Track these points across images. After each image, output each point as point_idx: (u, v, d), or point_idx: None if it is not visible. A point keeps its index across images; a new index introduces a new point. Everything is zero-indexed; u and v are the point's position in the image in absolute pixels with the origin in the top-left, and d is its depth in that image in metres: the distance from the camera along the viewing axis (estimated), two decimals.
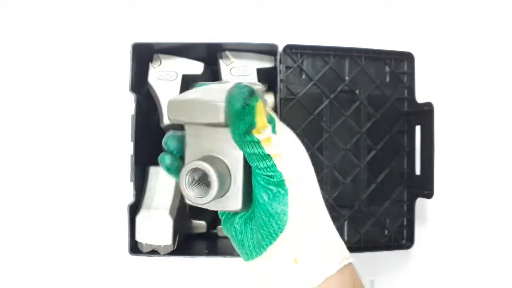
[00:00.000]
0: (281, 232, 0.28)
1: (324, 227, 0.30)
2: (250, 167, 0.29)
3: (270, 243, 0.28)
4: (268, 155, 0.28)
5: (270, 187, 0.28)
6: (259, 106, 0.27)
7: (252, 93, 0.27)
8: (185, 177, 0.28)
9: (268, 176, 0.28)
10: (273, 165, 0.28)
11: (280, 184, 0.28)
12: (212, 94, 0.28)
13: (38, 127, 0.64)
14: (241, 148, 0.28)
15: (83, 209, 0.63)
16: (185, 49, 0.54)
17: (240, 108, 0.26)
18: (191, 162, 0.28)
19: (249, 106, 0.26)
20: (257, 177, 0.29)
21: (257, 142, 0.27)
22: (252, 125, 0.27)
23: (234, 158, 0.29)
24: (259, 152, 0.28)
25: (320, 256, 0.28)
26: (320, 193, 0.31)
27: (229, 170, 0.29)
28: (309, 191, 0.30)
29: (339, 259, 0.29)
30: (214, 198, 0.27)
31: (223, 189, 0.28)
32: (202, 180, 0.28)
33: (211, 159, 0.28)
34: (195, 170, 0.28)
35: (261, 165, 0.28)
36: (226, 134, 0.28)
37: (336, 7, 0.67)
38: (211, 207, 0.30)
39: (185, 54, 0.54)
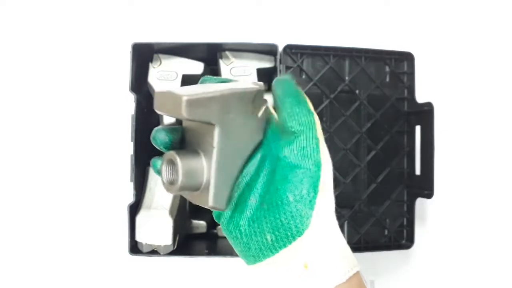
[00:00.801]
0: (299, 236, 0.27)
1: (336, 233, 0.29)
2: (236, 166, 0.29)
3: (285, 246, 0.27)
4: (318, 139, 0.29)
5: (303, 185, 0.28)
6: None
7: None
8: (163, 165, 0.29)
9: (306, 166, 0.28)
10: (318, 151, 0.29)
11: (314, 182, 0.28)
12: (193, 89, 0.28)
13: (38, 127, 0.64)
14: (296, 122, 0.29)
15: (83, 209, 0.63)
16: (185, 49, 0.54)
17: (294, 84, 0.30)
18: (167, 152, 0.29)
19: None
20: (290, 174, 0.28)
21: (312, 114, 0.29)
22: (305, 98, 0.30)
23: (211, 155, 0.29)
24: (311, 131, 0.29)
25: (330, 264, 0.28)
26: (333, 195, 0.30)
27: (203, 166, 0.29)
28: (330, 194, 0.29)
29: (349, 267, 0.28)
30: (182, 189, 0.28)
31: (193, 182, 0.29)
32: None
33: (188, 152, 0.29)
34: (170, 160, 0.29)
35: (308, 146, 0.28)
36: (207, 130, 0.29)
37: (336, 7, 0.67)
38: (192, 199, 0.31)
39: (185, 54, 0.54)
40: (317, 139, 0.29)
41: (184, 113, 0.27)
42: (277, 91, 0.30)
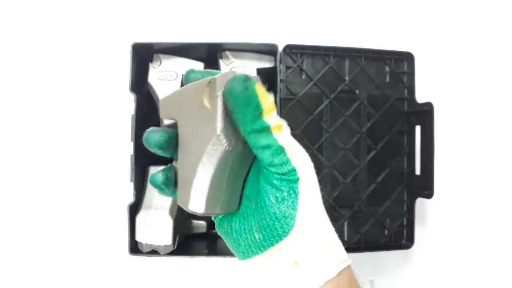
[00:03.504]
0: (285, 236, 0.28)
1: (325, 229, 0.29)
2: (195, 162, 0.28)
3: (272, 245, 0.28)
4: (282, 148, 0.27)
5: (283, 188, 0.27)
6: (258, 87, 0.26)
7: (247, 77, 0.26)
8: None
9: (282, 174, 0.27)
10: (288, 161, 0.27)
11: (293, 185, 0.28)
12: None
13: (38, 127, 0.64)
14: (253, 141, 0.27)
15: (84, 209, 0.63)
16: (185, 49, 0.54)
17: (242, 91, 0.25)
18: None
19: (250, 89, 0.25)
20: (269, 176, 0.28)
21: (267, 128, 0.26)
22: (258, 106, 0.26)
23: None
24: (273, 145, 0.27)
25: (320, 259, 0.28)
26: (320, 192, 0.30)
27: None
28: (314, 192, 0.29)
29: (338, 262, 0.29)
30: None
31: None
32: None
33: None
34: None
35: (276, 161, 0.27)
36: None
37: (336, 7, 0.67)
38: None
39: (185, 54, 0.54)
40: (280, 148, 0.27)
41: (160, 113, 0.30)
42: (228, 102, 0.26)
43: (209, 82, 0.28)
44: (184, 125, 0.29)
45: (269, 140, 0.27)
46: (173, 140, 0.30)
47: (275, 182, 0.28)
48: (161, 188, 0.30)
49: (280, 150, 0.27)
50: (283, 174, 0.27)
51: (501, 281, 0.66)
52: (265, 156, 0.27)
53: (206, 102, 0.27)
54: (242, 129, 0.26)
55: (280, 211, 0.27)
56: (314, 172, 0.30)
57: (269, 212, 0.28)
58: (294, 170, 0.28)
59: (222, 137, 0.27)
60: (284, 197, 0.28)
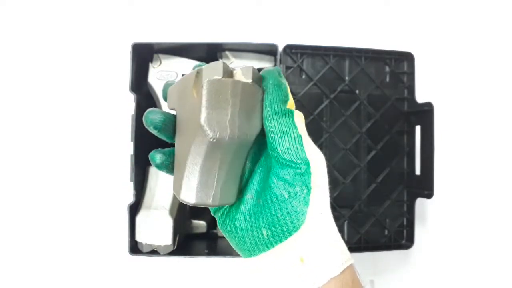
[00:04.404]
0: (295, 231, 0.28)
1: (330, 227, 0.30)
2: (186, 152, 0.28)
3: (280, 241, 0.28)
4: (301, 137, 0.28)
5: (296, 183, 0.28)
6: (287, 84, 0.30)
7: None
8: None
9: (295, 164, 0.28)
10: (303, 151, 0.28)
11: (306, 180, 0.28)
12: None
13: (38, 127, 0.64)
14: (276, 124, 0.28)
15: (84, 209, 0.63)
16: (185, 49, 0.54)
17: (278, 75, 0.29)
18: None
19: (283, 78, 0.30)
20: (281, 172, 0.28)
21: (291, 114, 0.29)
22: (287, 93, 0.29)
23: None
24: (293, 131, 0.28)
25: (325, 257, 0.28)
26: (328, 189, 0.30)
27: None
28: (324, 188, 0.30)
29: (342, 260, 0.29)
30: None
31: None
32: None
33: None
34: None
35: (292, 148, 0.28)
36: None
37: (336, 7, 0.67)
38: None
39: (185, 54, 0.55)
40: (299, 137, 0.29)
41: (167, 104, 0.32)
42: (265, 81, 0.29)
43: (197, 72, 0.28)
44: (179, 115, 0.30)
45: (290, 126, 0.28)
46: (168, 122, 0.31)
47: (287, 177, 0.28)
48: (157, 168, 0.31)
49: (299, 138, 0.28)
50: (296, 164, 0.28)
51: (501, 281, 0.66)
52: (282, 141, 0.28)
53: (194, 92, 0.28)
54: (268, 109, 0.28)
55: (292, 206, 0.28)
56: (326, 168, 0.30)
57: (281, 207, 0.28)
58: (307, 162, 0.28)
59: (205, 127, 0.27)
60: (297, 192, 0.28)
